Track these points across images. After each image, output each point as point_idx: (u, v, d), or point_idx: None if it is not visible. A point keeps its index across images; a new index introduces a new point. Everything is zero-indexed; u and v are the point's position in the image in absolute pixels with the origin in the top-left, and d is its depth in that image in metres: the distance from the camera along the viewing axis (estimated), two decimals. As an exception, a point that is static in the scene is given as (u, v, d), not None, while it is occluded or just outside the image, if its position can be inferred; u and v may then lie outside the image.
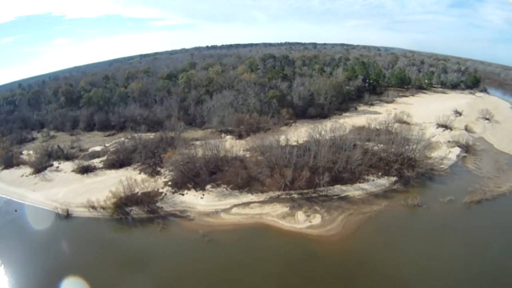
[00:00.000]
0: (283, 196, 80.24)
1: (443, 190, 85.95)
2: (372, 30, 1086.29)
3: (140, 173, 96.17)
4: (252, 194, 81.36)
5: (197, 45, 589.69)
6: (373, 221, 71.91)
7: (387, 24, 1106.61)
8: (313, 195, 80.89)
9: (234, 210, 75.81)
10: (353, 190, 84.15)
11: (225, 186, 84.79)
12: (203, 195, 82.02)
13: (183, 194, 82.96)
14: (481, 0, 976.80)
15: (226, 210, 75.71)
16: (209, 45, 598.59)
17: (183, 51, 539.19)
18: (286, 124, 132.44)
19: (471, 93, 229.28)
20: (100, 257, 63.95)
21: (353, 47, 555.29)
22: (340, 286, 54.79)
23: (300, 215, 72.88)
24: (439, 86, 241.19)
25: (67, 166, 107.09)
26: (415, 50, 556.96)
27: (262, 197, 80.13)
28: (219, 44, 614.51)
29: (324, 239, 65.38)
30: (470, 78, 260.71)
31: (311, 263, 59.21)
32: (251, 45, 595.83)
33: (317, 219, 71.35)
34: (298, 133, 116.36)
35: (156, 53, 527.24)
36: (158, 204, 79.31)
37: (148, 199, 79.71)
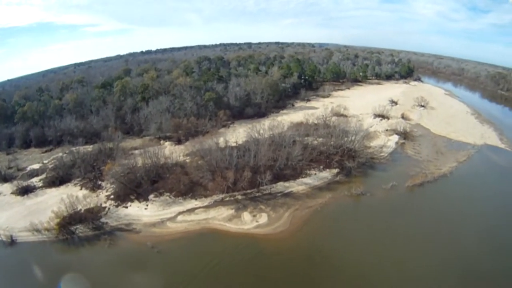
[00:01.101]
0: (227, 199, 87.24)
1: (385, 177, 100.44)
2: (307, 27, 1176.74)
3: (81, 189, 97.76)
4: (196, 199, 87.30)
5: (132, 51, 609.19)
6: (319, 214, 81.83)
7: (321, 21, 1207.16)
8: (257, 194, 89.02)
9: (180, 217, 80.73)
10: (296, 186, 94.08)
11: (168, 194, 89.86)
12: (147, 205, 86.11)
13: (126, 207, 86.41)
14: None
15: (171, 219, 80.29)
16: (144, 50, 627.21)
17: (118, 57, 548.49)
18: (224, 126, 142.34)
19: (405, 82, 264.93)
20: (47, 285, 64.40)
21: (288, 45, 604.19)
22: (294, 281, 62.02)
23: (246, 215, 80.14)
24: (374, 78, 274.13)
25: (6, 188, 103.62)
26: (350, 45, 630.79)
27: (206, 201, 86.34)
28: (153, 48, 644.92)
29: (272, 237, 72.97)
30: (404, 68, 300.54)
31: (263, 262, 66.12)
32: (185, 48, 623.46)
33: (263, 218, 79.14)
34: (237, 134, 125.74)
35: (90, 61, 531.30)
36: (103, 219, 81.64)
37: (92, 216, 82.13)
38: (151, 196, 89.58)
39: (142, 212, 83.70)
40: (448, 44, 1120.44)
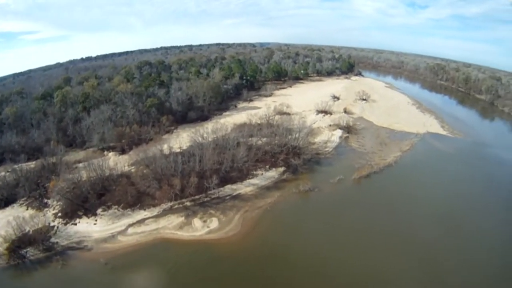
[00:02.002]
0: (176, 206, 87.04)
1: (332, 171, 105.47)
2: (248, 27, 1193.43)
3: (27, 209, 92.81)
4: (144, 210, 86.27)
5: (72, 58, 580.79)
6: (270, 214, 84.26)
7: (262, 20, 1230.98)
8: (206, 199, 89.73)
9: (130, 230, 79.30)
10: (244, 187, 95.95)
11: (116, 206, 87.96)
12: (96, 220, 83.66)
13: (75, 224, 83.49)
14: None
15: (122, 232, 78.66)
16: (84, 56, 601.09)
17: (58, 65, 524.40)
18: (167, 132, 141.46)
19: (346, 77, 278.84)
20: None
21: (229, 45, 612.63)
22: (252, 283, 64.07)
23: (196, 222, 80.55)
24: (315, 74, 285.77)
25: None
26: (291, 43, 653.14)
27: (155, 211, 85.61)
28: (94, 55, 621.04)
29: (225, 241, 74.19)
30: (345, 64, 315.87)
31: (218, 267, 67.06)
32: (126, 53, 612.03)
33: (214, 223, 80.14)
34: (181, 140, 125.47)
35: (30, 71, 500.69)
36: (53, 239, 78.31)
37: (41, 236, 78.47)
38: (99, 211, 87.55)
39: (91, 228, 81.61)
40: (387, 39, 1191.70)
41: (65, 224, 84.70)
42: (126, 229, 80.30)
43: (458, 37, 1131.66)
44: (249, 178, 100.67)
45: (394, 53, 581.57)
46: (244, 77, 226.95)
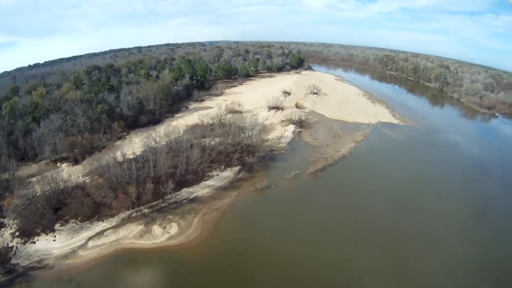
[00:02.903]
0: (134, 215, 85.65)
1: (287, 167, 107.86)
2: (197, 26, 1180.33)
3: None
4: (103, 221, 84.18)
5: (20, 66, 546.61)
6: (228, 214, 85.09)
7: (211, 19, 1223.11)
8: (163, 205, 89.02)
9: (91, 243, 77.16)
10: (200, 190, 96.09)
11: (74, 220, 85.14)
12: (55, 236, 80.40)
13: (34, 242, 79.79)
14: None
15: (83, 246, 76.37)
16: (32, 63, 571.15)
17: (5, 74, 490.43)
18: (120, 138, 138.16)
19: (296, 72, 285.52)
20: None
21: (178, 45, 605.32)
22: (216, 283, 64.71)
23: (156, 229, 79.80)
24: (265, 71, 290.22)
25: None
26: (240, 41, 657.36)
27: (113, 221, 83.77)
28: (42, 61, 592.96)
29: (187, 246, 74.16)
30: (295, 59, 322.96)
31: (182, 272, 67.35)
32: (75, 58, 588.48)
33: (174, 228, 79.81)
34: (134, 145, 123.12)
35: None
36: (13, 261, 74.67)
37: (1, 259, 74.45)
38: (57, 226, 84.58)
39: (51, 245, 78.85)
40: (337, 33, 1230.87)
41: (24, 243, 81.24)
42: (86, 242, 78.41)
43: (407, 29, 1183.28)
44: (205, 180, 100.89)
45: (343, 47, 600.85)
46: (195, 77, 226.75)
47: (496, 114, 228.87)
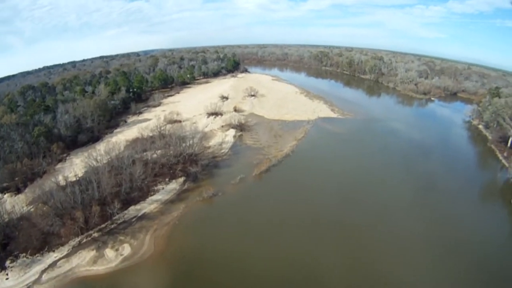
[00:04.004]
0: (85, 240, 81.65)
1: (232, 172, 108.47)
2: (131, 36, 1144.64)
3: None
4: (53, 251, 79.34)
5: None
6: (180, 227, 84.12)
7: (145, 28, 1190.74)
8: (112, 226, 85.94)
9: (45, 277, 72.46)
10: (148, 206, 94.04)
11: (24, 254, 79.36)
12: (7, 274, 74.74)
13: None
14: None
15: (37, 281, 71.44)
16: None
17: None
18: (60, 161, 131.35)
19: (233, 76, 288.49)
20: None
21: (113, 57, 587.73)
22: None
23: (109, 252, 76.77)
24: (202, 77, 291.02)
25: None
26: (175, 48, 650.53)
27: (64, 250, 79.34)
28: None
29: (143, 265, 72.38)
30: (230, 62, 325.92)
31: None
32: (8, 78, 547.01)
33: (127, 249, 77.26)
34: (75, 167, 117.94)
35: None
36: None
37: None
38: (7, 263, 79.09)
39: (5, 284, 73.63)
40: (271, 33, 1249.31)
41: (-23, 287, 76.43)
42: (40, 276, 74.25)
43: (339, 25, 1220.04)
44: (151, 195, 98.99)
45: (278, 46, 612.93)
46: (131, 90, 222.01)
47: (432, 99, 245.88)
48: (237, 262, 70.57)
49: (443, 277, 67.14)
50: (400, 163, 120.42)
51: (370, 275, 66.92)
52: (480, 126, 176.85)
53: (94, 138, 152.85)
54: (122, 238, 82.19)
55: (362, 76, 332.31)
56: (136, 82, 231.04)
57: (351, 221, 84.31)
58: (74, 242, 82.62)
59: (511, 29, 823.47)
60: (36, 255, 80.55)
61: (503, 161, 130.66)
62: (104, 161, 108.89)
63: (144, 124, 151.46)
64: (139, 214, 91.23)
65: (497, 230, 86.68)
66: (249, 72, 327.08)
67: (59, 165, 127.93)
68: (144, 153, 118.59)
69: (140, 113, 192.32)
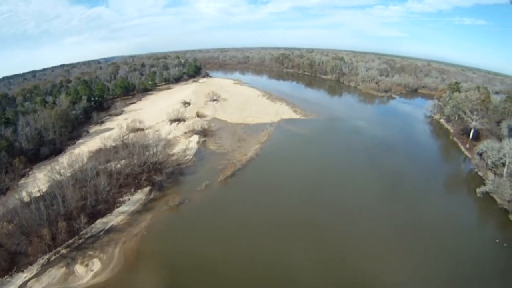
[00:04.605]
0: (53, 258, 78.17)
1: (197, 179, 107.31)
2: (92, 43, 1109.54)
3: None
4: (23, 271, 75.50)
5: None
6: (148, 238, 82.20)
7: (105, 34, 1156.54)
8: (80, 241, 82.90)
9: None
10: (115, 218, 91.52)
11: None
12: None
13: None
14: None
15: None
16: None
17: None
18: (23, 176, 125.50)
19: (194, 81, 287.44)
20: None
21: (74, 65, 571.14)
22: None
23: (79, 268, 73.92)
24: (163, 83, 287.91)
25: None
26: (136, 54, 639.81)
27: (33, 270, 75.50)
28: None
29: (114, 280, 70.01)
30: (191, 67, 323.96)
31: None
32: None
33: (97, 264, 74.67)
34: (39, 181, 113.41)
35: None
36: None
37: None
38: None
39: None
40: (232, 37, 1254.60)
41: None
42: None
43: (300, 27, 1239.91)
44: (117, 207, 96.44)
45: (239, 50, 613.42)
46: (92, 99, 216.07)
47: (394, 96, 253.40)
48: (209, 268, 70.08)
49: (415, 268, 69.38)
50: (365, 161, 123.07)
51: (343, 271, 68.32)
52: (442, 120, 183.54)
53: (57, 150, 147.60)
54: (91, 253, 79.59)
55: (324, 77, 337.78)
56: (97, 91, 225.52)
57: (321, 221, 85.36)
58: (42, 260, 79.38)
59: (469, 27, 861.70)
60: (5, 277, 76.79)
61: (466, 152, 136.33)
62: (68, 174, 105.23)
63: (106, 134, 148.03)
64: (107, 227, 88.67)
65: (465, 217, 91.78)
66: (210, 76, 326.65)
67: (22, 181, 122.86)
68: (108, 164, 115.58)
69: (102, 122, 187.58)
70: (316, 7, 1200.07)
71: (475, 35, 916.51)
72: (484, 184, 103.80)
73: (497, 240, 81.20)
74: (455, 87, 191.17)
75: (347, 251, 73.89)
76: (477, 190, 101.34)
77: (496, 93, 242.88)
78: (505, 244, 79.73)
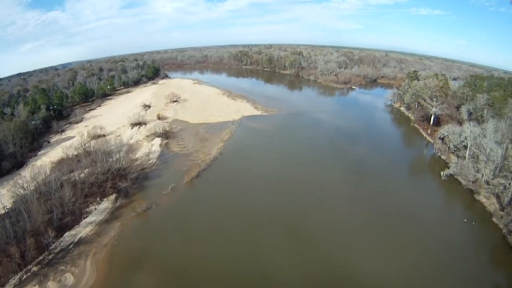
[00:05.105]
0: (25, 277, 74.22)
1: (163, 182, 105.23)
2: (48, 49, 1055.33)
3: None
4: None
5: None
6: (119, 247, 79.70)
7: (62, 39, 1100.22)
8: (50, 257, 78.95)
9: None
10: (83, 229, 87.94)
11: None
12: None
13: None
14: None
15: None
16: None
17: None
18: None
19: (154, 83, 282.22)
20: None
21: (31, 74, 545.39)
22: None
23: (52, 285, 69.96)
24: (122, 87, 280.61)
25: None
26: (93, 59, 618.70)
27: None
28: None
29: None
30: (150, 69, 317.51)
31: None
32: None
33: (69, 279, 71.63)
34: (2, 197, 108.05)
35: None
36: None
37: None
38: None
39: None
40: (190, 36, 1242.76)
41: None
42: None
43: (258, 23, 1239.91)
44: (84, 218, 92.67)
45: (197, 49, 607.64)
46: (51, 107, 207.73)
47: (353, 87, 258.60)
48: (182, 270, 69.33)
49: (388, 254, 70.89)
50: (329, 152, 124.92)
51: (319, 264, 68.71)
52: (402, 108, 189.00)
53: (18, 163, 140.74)
54: (62, 268, 76.23)
55: (283, 72, 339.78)
56: (56, 99, 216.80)
57: (290, 215, 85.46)
58: (14, 280, 75.32)
59: (426, 17, 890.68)
60: (-22, 302, 73.10)
61: (428, 138, 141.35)
62: (32, 188, 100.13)
63: (68, 143, 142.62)
64: (76, 240, 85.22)
65: (432, 200, 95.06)
66: (169, 77, 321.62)
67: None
68: (72, 174, 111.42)
69: (63, 131, 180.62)
70: (274, 3, 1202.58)
71: (432, 25, 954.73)
72: (448, 167, 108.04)
73: (465, 220, 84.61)
74: (414, 76, 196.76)
75: (321, 244, 74.62)
76: (442, 173, 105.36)
77: (454, 79, 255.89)
78: (473, 223, 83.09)
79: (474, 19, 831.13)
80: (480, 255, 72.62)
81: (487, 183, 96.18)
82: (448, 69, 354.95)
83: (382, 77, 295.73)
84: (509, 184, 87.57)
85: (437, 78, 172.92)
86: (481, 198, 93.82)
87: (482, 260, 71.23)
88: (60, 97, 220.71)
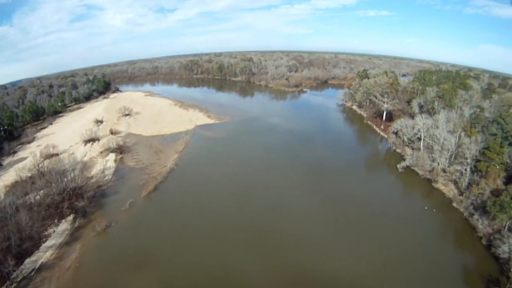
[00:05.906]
0: None
1: (120, 199, 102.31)
2: None
3: None
4: None
5: None
6: (82, 269, 75.98)
7: (11, 56, 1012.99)
8: (13, 286, 73.46)
9: None
10: (43, 254, 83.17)
11: None
12: None
13: None
14: (101, 8, 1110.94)
15: None
16: None
17: None
18: None
19: (105, 97, 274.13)
20: None
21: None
22: None
23: None
24: (73, 103, 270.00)
25: None
26: (43, 75, 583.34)
27: None
28: None
29: None
30: (100, 84, 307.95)
31: None
32: None
33: None
34: None
35: None
36: None
37: None
38: None
39: None
40: (140, 48, 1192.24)
41: None
42: None
43: (208, 32, 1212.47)
44: (43, 242, 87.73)
45: (147, 60, 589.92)
46: (1, 128, 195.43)
47: (304, 89, 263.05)
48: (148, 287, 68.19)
49: (355, 248, 72.74)
50: (286, 156, 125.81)
51: (287, 266, 69.21)
52: (354, 107, 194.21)
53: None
54: (27, 297, 71.96)
55: (234, 79, 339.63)
56: (6, 119, 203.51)
57: (254, 222, 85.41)
58: None
59: (373, 18, 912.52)
60: None
61: (381, 133, 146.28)
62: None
63: (20, 165, 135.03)
64: (37, 266, 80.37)
65: (392, 192, 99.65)
66: (121, 91, 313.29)
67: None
68: (27, 197, 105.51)
69: (15, 152, 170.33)
70: (223, 11, 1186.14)
71: (379, 25, 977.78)
72: (404, 160, 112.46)
73: (426, 208, 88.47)
74: (364, 74, 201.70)
75: (286, 246, 75.19)
76: (398, 165, 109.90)
77: (404, 75, 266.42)
78: (434, 210, 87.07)
79: (421, 17, 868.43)
80: (445, 239, 76.29)
81: (444, 171, 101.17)
82: (397, 66, 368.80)
83: (333, 78, 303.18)
84: (465, 169, 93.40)
85: (386, 75, 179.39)
86: (439, 186, 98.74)
87: (449, 244, 74.93)
88: (10, 117, 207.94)
